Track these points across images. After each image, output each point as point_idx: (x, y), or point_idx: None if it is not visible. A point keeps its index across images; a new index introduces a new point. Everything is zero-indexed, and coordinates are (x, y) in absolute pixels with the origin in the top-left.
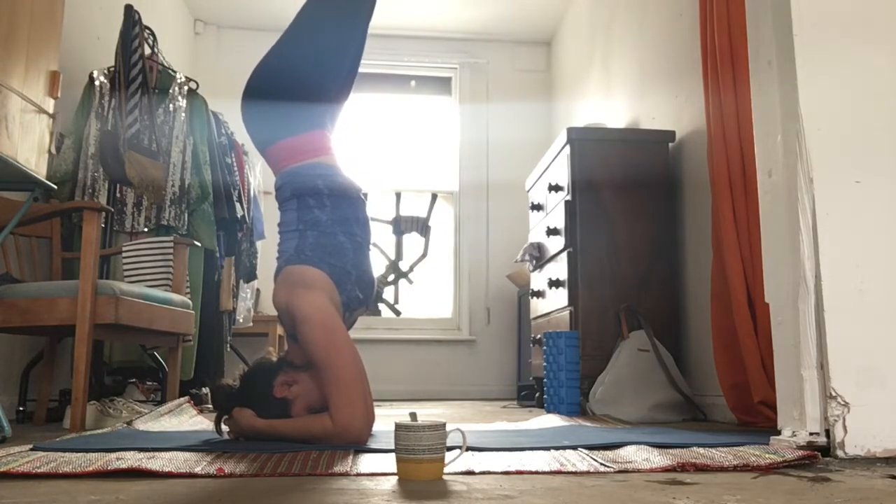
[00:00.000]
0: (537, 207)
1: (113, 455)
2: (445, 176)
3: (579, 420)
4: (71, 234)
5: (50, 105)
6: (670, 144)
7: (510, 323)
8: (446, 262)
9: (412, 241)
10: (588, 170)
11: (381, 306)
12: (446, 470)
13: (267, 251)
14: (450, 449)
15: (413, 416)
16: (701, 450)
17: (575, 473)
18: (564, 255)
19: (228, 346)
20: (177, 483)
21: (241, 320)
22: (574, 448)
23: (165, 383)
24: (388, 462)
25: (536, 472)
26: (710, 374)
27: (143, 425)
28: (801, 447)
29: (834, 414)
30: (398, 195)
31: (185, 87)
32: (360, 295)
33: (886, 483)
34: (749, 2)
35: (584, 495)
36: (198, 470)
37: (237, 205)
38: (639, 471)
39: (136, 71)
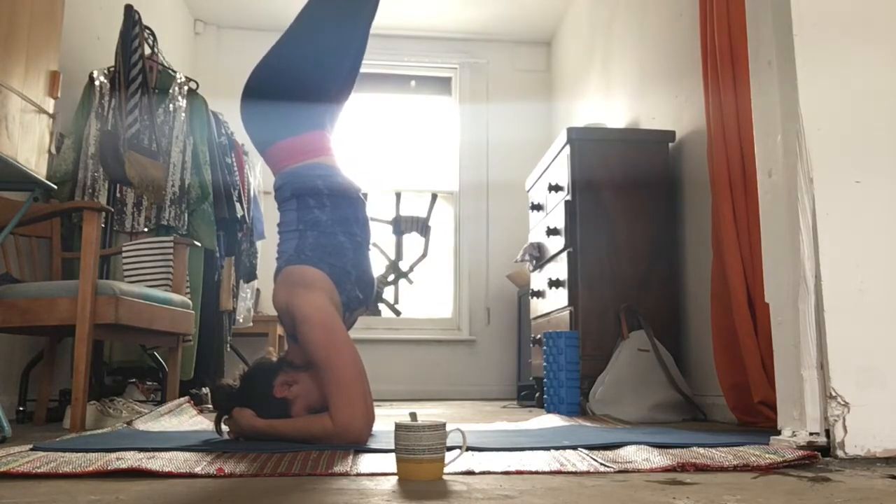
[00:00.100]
0: (537, 207)
1: (113, 455)
2: (445, 176)
3: (579, 420)
4: (71, 234)
5: (50, 105)
6: (670, 144)
7: (510, 323)
8: (446, 262)
9: (412, 241)
10: (588, 170)
11: (381, 306)
12: (446, 470)
13: (267, 251)
14: (450, 449)
15: (413, 416)
16: (701, 450)
17: (575, 473)
18: (564, 255)
19: (228, 346)
20: (177, 483)
21: (241, 320)
22: (574, 448)
23: (165, 383)
24: (388, 462)
25: (536, 472)
26: (710, 374)
27: (143, 425)
28: (801, 447)
29: (834, 414)
30: (398, 195)
31: (185, 87)
32: (360, 295)
33: (886, 483)
34: (749, 2)
35: (584, 495)
36: (198, 470)
37: (237, 205)
38: (639, 471)
39: (136, 71)
